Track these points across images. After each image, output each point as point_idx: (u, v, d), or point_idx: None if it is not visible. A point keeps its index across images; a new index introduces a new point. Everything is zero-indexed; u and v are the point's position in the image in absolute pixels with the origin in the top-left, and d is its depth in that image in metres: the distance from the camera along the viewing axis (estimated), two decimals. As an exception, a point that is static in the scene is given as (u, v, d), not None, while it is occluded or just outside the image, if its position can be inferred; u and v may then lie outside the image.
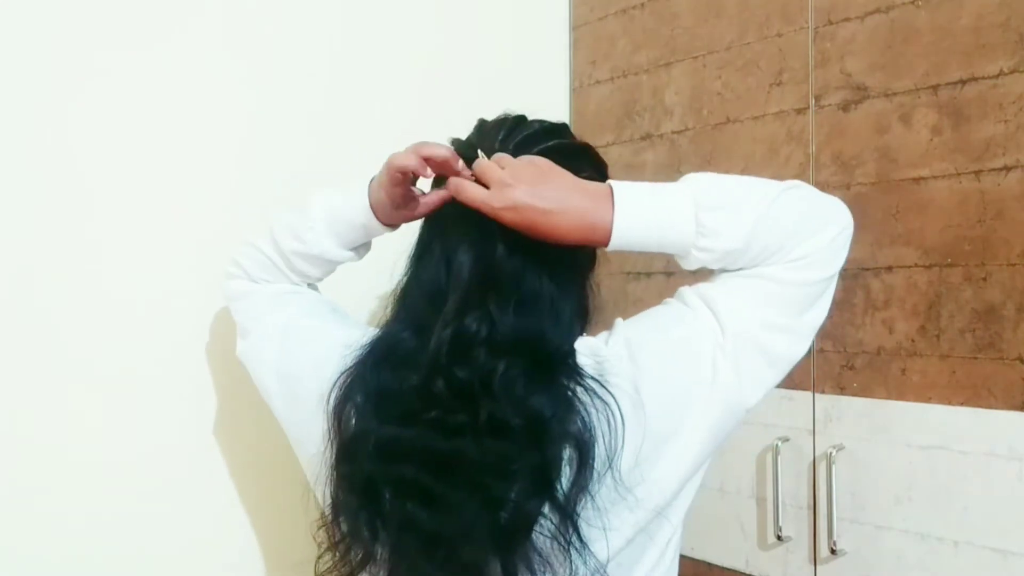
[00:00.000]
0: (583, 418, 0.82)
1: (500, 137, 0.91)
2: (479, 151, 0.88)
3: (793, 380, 1.29)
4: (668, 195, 0.85)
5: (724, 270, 0.88)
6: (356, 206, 0.97)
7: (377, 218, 0.96)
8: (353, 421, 0.88)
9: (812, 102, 1.29)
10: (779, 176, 1.32)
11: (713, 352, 0.85)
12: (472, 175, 0.87)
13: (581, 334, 0.91)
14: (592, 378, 0.84)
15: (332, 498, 0.89)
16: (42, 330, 1.17)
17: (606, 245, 0.85)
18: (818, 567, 1.25)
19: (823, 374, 1.26)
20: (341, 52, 1.42)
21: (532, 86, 1.64)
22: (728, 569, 1.37)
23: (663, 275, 1.49)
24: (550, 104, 1.67)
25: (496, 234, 0.86)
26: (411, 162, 0.89)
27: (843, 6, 1.26)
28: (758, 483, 1.33)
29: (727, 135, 1.41)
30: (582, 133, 1.68)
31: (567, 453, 0.82)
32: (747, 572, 1.34)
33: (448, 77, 1.51)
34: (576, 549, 0.81)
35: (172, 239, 1.26)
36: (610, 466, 0.82)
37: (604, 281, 1.59)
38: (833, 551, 1.21)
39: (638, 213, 0.84)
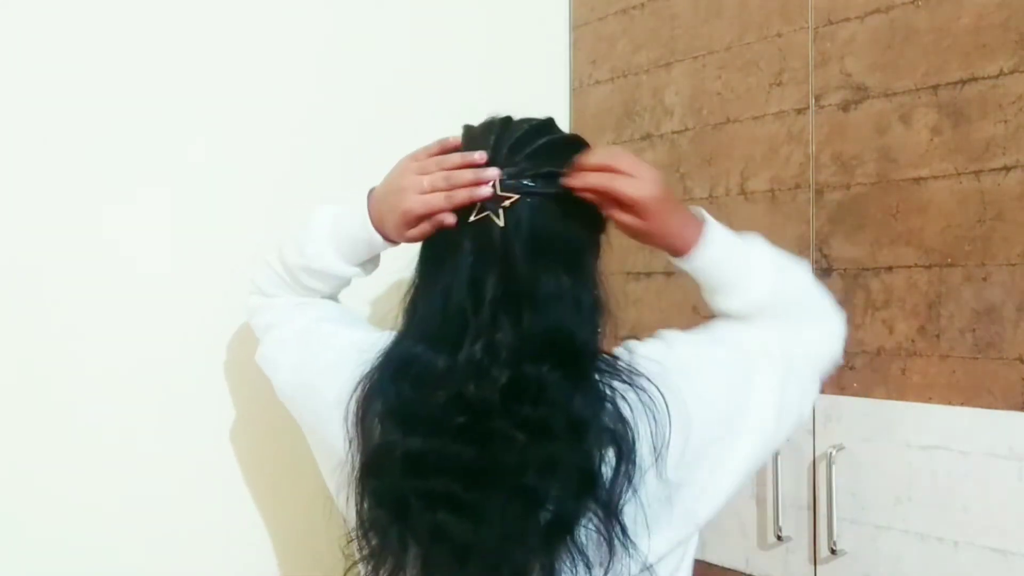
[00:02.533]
0: (622, 413, 0.84)
1: (492, 143, 0.90)
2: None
3: (793, 380, 1.29)
4: (745, 241, 0.98)
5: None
6: (356, 220, 0.98)
7: (380, 233, 0.97)
8: (376, 434, 0.88)
9: (812, 102, 1.29)
10: (779, 176, 1.32)
11: (756, 372, 0.92)
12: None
13: (603, 325, 0.92)
14: (629, 370, 0.87)
15: (358, 511, 0.89)
16: (56, 335, 1.18)
17: (683, 254, 0.94)
18: (818, 567, 1.25)
19: (823, 374, 1.26)
20: (341, 53, 1.42)
21: (532, 86, 1.63)
22: (728, 569, 1.37)
23: (663, 275, 1.49)
24: (550, 104, 1.67)
25: (511, 241, 0.87)
26: (433, 205, 0.90)
27: (843, 6, 1.26)
28: (758, 483, 1.33)
29: (727, 135, 1.41)
30: (582, 133, 1.68)
31: (609, 449, 0.83)
32: (747, 572, 1.34)
33: (448, 77, 1.51)
34: (621, 544, 0.83)
35: (190, 242, 1.27)
36: (656, 460, 0.84)
37: (604, 281, 1.59)
38: (833, 551, 1.21)
39: (722, 239, 0.95)
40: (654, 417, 0.85)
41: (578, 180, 0.89)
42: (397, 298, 0.94)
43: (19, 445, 1.15)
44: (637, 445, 0.84)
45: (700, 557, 1.40)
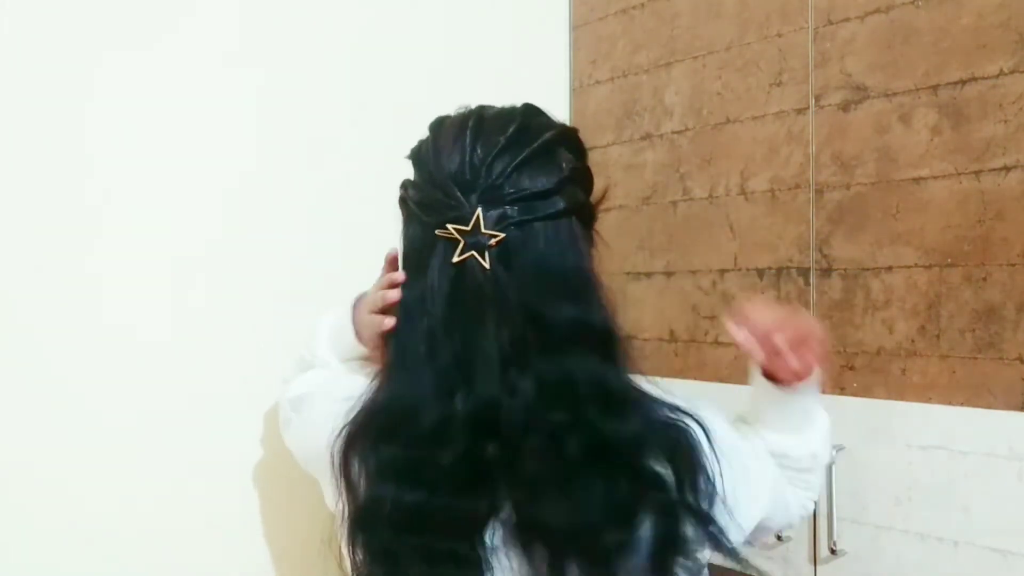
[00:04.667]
0: (672, 437, 0.83)
1: (467, 153, 0.83)
2: None
3: (793, 380, 1.29)
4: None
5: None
6: (347, 335, 1.00)
7: (362, 343, 0.98)
8: (363, 486, 0.84)
9: (812, 102, 1.29)
10: (779, 176, 1.32)
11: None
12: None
13: (628, 354, 0.88)
14: (668, 404, 0.86)
15: (352, 561, 0.86)
16: (57, 334, 1.17)
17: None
18: (818, 567, 1.25)
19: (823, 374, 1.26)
20: (340, 53, 1.42)
21: (532, 86, 1.63)
22: (728, 569, 1.37)
23: (663, 275, 1.49)
24: (550, 104, 1.65)
25: (500, 277, 0.82)
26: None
27: (843, 6, 1.26)
28: (758, 483, 1.33)
29: (727, 135, 1.41)
30: (582, 133, 1.68)
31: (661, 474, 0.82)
32: (747, 572, 1.34)
33: (448, 77, 1.51)
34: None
35: (197, 250, 1.28)
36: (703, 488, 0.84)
37: (604, 281, 1.59)
38: (833, 551, 1.21)
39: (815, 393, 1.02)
40: (692, 442, 0.83)
41: (746, 341, 0.92)
42: None
43: (19, 445, 1.15)
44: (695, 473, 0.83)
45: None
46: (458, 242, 0.82)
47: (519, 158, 0.83)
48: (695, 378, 1.43)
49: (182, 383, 1.26)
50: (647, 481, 0.81)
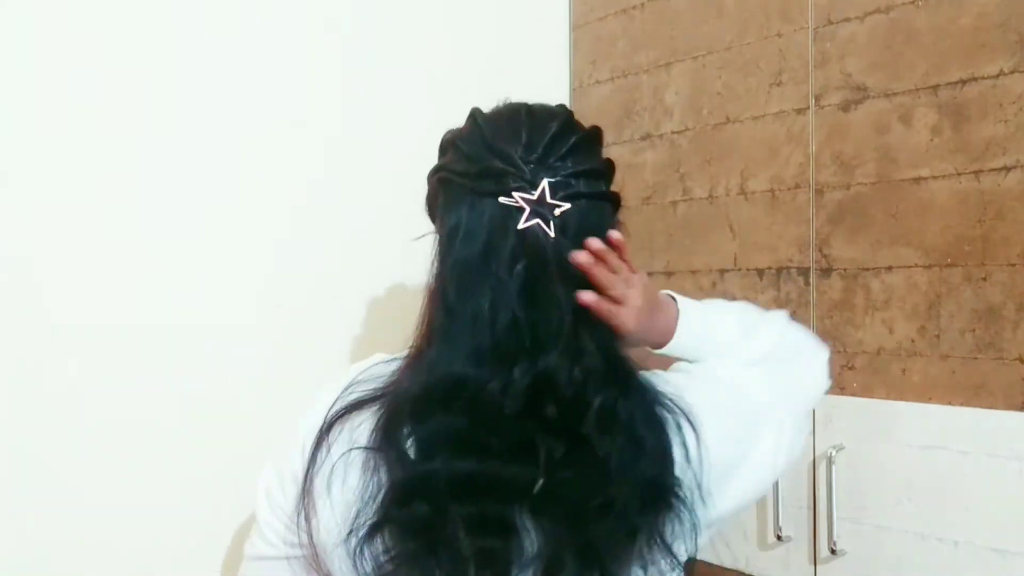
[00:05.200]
0: (682, 434, 0.85)
1: (524, 139, 0.86)
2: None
3: (793, 380, 1.29)
4: (711, 315, 1.02)
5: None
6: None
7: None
8: (409, 459, 0.82)
9: (812, 102, 1.29)
10: (779, 176, 1.32)
11: (760, 424, 0.94)
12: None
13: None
14: (669, 397, 0.87)
15: (382, 552, 0.82)
16: (57, 334, 1.17)
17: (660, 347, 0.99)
18: (818, 567, 1.25)
19: (823, 374, 1.26)
20: (340, 53, 1.42)
21: (532, 86, 1.62)
22: (728, 569, 1.37)
23: (663, 275, 1.49)
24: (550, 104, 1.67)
25: (563, 249, 0.84)
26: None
27: (843, 6, 1.26)
28: (758, 483, 1.33)
29: (727, 135, 1.41)
30: (582, 133, 1.69)
31: (673, 464, 0.84)
32: (747, 572, 1.34)
33: (448, 77, 1.51)
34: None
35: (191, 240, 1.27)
36: (698, 485, 0.85)
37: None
38: (833, 551, 1.21)
39: (691, 327, 0.99)
40: (685, 440, 0.86)
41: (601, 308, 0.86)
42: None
43: (20, 445, 1.15)
44: (684, 470, 0.85)
45: (700, 557, 1.40)
46: (523, 210, 0.83)
47: (572, 141, 0.87)
48: (695, 378, 1.43)
49: (182, 383, 1.26)
50: (657, 486, 0.84)
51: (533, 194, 0.83)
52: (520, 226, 0.83)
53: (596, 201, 0.88)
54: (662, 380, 0.91)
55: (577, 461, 0.81)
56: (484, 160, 0.85)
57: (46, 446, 1.17)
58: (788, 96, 1.32)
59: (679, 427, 0.86)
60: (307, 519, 0.86)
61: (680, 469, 0.85)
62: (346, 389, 0.88)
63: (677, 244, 1.47)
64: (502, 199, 0.83)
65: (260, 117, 1.34)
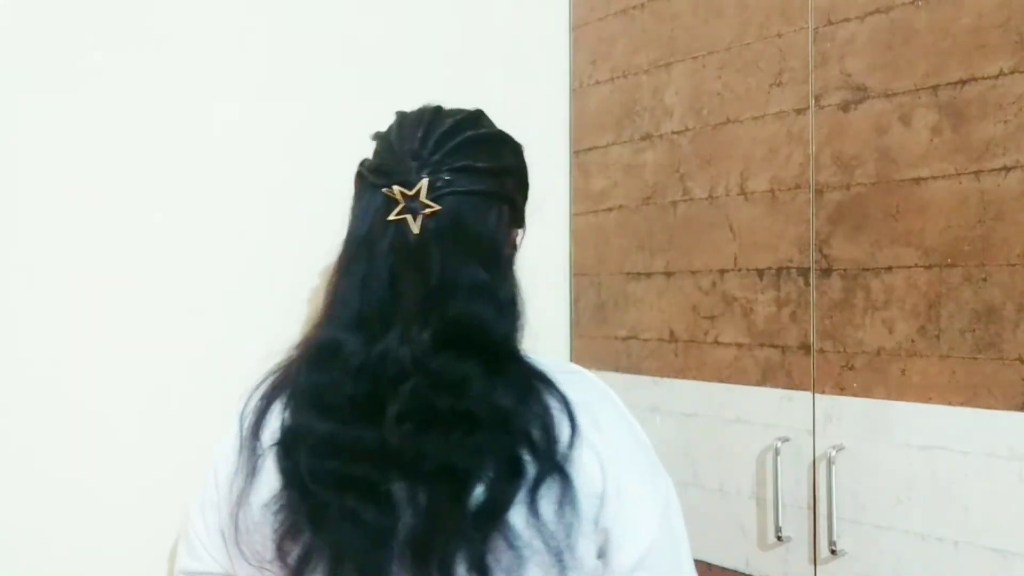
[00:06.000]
0: (544, 405, 0.88)
1: (420, 134, 0.93)
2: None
3: (793, 380, 1.29)
4: None
5: None
6: None
7: None
8: (287, 415, 0.91)
9: (812, 102, 1.29)
10: (779, 176, 1.32)
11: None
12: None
13: (522, 323, 0.94)
14: (547, 375, 0.91)
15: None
16: (58, 333, 1.17)
17: None
18: (818, 567, 1.25)
19: (823, 374, 1.26)
20: (340, 53, 1.42)
21: (532, 86, 1.64)
22: (728, 569, 1.37)
23: (663, 275, 1.49)
24: (550, 104, 1.67)
25: (428, 238, 0.90)
26: None
27: (843, 6, 1.26)
28: (758, 483, 1.33)
29: (727, 135, 1.41)
30: (582, 133, 1.69)
31: (533, 436, 0.87)
32: (747, 572, 1.34)
33: (448, 77, 1.51)
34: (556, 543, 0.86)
35: (192, 242, 1.27)
36: (566, 460, 0.87)
37: (604, 281, 1.60)
38: (833, 551, 1.21)
39: None
40: (559, 418, 0.89)
41: None
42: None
43: (18, 446, 1.15)
44: (558, 434, 0.87)
45: (700, 557, 1.40)
46: (398, 203, 0.90)
47: (458, 140, 0.93)
48: (695, 378, 1.43)
49: (183, 382, 1.26)
50: (510, 458, 0.86)
51: (411, 190, 0.90)
52: (390, 218, 0.91)
53: (474, 199, 0.92)
54: (565, 372, 0.94)
55: (439, 431, 0.86)
56: (383, 156, 0.95)
57: (45, 447, 1.17)
58: (788, 96, 1.32)
59: (550, 403, 0.89)
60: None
61: (544, 441, 0.87)
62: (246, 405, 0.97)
63: (677, 244, 1.47)
64: (385, 191, 0.91)
65: (260, 117, 1.34)
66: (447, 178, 0.91)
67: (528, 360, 0.93)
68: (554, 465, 0.86)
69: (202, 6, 1.29)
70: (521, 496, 0.85)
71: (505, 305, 0.92)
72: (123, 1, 1.22)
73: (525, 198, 1.02)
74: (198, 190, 1.29)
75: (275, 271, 1.34)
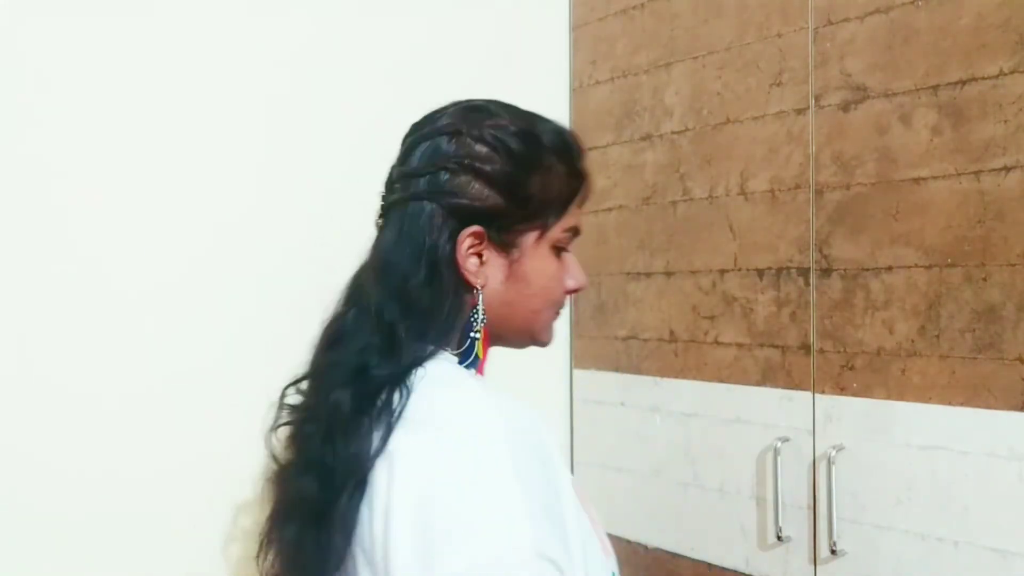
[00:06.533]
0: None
1: (398, 161, 0.92)
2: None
3: (793, 380, 1.29)
4: None
5: None
6: None
7: None
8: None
9: (812, 102, 1.29)
10: (779, 176, 1.32)
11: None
12: None
13: (433, 345, 0.85)
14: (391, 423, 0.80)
15: None
16: (60, 332, 1.17)
17: None
18: (818, 567, 1.25)
19: (823, 374, 1.26)
20: (340, 53, 1.42)
21: (532, 86, 1.63)
22: (728, 569, 1.37)
23: (663, 275, 1.49)
24: (550, 104, 1.66)
25: (373, 252, 0.89)
26: None
27: (843, 6, 1.26)
28: (758, 483, 1.33)
29: (727, 135, 1.41)
30: (582, 133, 1.68)
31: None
32: (747, 572, 1.34)
33: (448, 77, 1.51)
34: None
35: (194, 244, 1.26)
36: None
37: (604, 281, 1.60)
38: (833, 551, 1.21)
39: None
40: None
41: None
42: None
43: (19, 445, 1.15)
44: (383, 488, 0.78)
45: (700, 557, 1.40)
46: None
47: (407, 143, 0.91)
48: (695, 378, 1.43)
49: (183, 382, 1.26)
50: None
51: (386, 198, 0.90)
52: (376, 222, 0.92)
53: (408, 205, 0.86)
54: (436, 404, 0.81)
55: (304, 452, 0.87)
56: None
57: (42, 445, 1.17)
58: (788, 96, 1.32)
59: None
60: None
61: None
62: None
63: (677, 244, 1.47)
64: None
65: (259, 118, 1.34)
66: (394, 186, 0.89)
67: (392, 403, 0.80)
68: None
69: (211, 12, 1.29)
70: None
71: (386, 335, 0.83)
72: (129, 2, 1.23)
73: (501, 189, 0.86)
74: (198, 191, 1.29)
75: (279, 271, 1.34)
